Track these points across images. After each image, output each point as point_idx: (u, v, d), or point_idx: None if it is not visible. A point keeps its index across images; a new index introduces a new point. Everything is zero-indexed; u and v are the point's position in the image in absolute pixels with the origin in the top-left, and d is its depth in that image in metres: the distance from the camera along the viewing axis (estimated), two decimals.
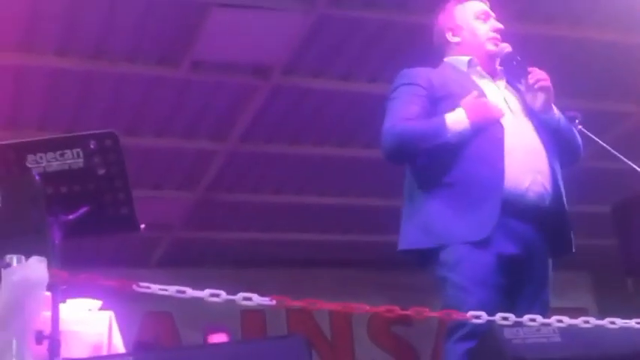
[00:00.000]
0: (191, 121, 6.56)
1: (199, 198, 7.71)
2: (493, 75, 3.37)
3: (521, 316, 2.57)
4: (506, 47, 3.37)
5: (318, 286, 8.74)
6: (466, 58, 3.35)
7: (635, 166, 3.27)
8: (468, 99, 3.15)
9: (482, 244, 3.00)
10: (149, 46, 5.65)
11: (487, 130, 3.13)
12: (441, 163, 3.13)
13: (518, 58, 3.34)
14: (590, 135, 3.32)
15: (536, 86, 3.24)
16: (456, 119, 3.12)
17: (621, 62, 6.19)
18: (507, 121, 3.18)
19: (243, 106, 6.38)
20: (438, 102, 3.21)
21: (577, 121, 3.32)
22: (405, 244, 3.22)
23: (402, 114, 3.19)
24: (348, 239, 8.94)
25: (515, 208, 3.05)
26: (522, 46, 3.50)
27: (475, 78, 3.31)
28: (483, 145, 3.11)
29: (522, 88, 3.34)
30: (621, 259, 5.31)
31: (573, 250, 3.24)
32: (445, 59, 3.42)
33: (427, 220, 3.13)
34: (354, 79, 6.24)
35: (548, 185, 3.14)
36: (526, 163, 3.12)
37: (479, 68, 3.34)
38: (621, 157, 3.30)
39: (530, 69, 3.28)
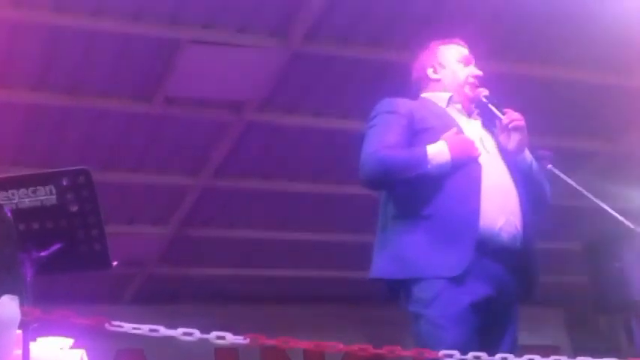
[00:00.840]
0: (165, 156, 6.56)
1: (173, 233, 7.67)
2: (470, 114, 3.40)
3: (493, 355, 2.58)
4: (484, 91, 3.41)
5: (293, 323, 8.67)
6: (447, 95, 3.38)
7: (604, 205, 3.29)
8: (449, 134, 3.17)
9: (457, 281, 2.99)
10: (124, 82, 5.65)
11: (465, 167, 3.14)
12: (418, 195, 3.13)
13: (495, 101, 3.37)
14: (561, 175, 3.33)
15: (510, 126, 3.26)
16: (438, 151, 3.13)
17: (590, 100, 6.26)
18: (483, 161, 3.20)
19: (217, 141, 6.38)
20: (417, 134, 3.21)
21: (548, 160, 3.34)
22: (376, 273, 3.19)
23: (384, 141, 3.18)
24: (322, 275, 8.90)
25: (488, 248, 3.06)
26: (494, 84, 3.54)
27: (454, 115, 3.34)
28: (461, 181, 3.12)
29: (496, 130, 3.36)
30: (592, 296, 5.33)
31: (537, 295, 3.25)
32: (422, 94, 3.45)
33: (401, 251, 3.11)
34: (327, 115, 6.28)
35: (519, 226, 3.15)
36: (500, 203, 3.13)
37: (458, 106, 3.37)
38: (590, 196, 3.31)
39: (505, 110, 3.31)
